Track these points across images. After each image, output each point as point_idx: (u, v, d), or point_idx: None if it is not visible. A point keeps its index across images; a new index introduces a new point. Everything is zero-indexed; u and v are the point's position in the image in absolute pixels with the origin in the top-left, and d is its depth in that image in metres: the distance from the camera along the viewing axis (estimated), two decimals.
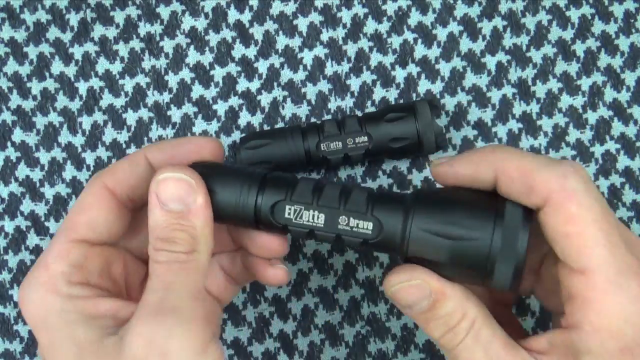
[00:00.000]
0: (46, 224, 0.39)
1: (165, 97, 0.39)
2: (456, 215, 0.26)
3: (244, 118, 0.39)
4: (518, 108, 0.39)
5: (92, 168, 0.39)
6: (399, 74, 0.39)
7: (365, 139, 0.36)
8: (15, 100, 0.39)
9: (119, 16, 0.39)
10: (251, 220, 0.28)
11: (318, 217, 0.27)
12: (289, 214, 0.28)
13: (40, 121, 0.39)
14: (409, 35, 0.39)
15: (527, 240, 0.26)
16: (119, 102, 0.39)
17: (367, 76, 0.39)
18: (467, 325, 0.27)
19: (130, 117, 0.39)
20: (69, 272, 0.27)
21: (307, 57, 0.39)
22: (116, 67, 0.39)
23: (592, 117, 0.39)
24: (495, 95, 0.39)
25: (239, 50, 0.39)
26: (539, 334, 0.27)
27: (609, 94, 0.39)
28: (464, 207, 0.27)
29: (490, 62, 0.39)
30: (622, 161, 0.39)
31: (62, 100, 0.39)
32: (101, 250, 0.29)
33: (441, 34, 0.39)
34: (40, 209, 0.39)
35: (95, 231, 0.28)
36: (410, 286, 0.27)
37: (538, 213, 0.26)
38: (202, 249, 0.27)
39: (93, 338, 0.26)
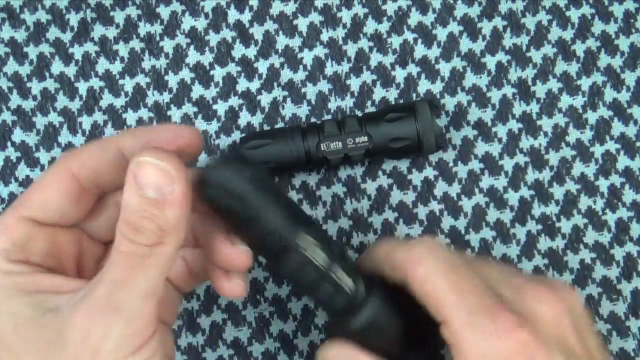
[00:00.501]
0: None
1: (166, 97, 0.39)
2: None
3: (244, 118, 0.39)
4: (518, 108, 0.39)
5: None
6: (399, 74, 0.39)
7: (365, 139, 0.36)
8: (15, 100, 0.39)
9: (119, 16, 0.39)
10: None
11: None
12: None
13: (40, 121, 0.39)
14: (409, 35, 0.39)
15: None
16: (119, 102, 0.39)
17: (367, 76, 0.39)
18: None
19: (131, 117, 0.39)
20: (9, 249, 0.27)
21: (307, 57, 0.39)
22: (116, 67, 0.39)
23: (592, 117, 0.39)
24: (495, 95, 0.39)
25: (239, 50, 0.39)
26: None
27: (609, 94, 0.39)
28: None
29: (490, 62, 0.39)
30: (622, 161, 0.39)
31: (62, 101, 0.39)
32: (51, 231, 0.28)
33: (441, 34, 0.39)
34: None
35: (46, 212, 0.28)
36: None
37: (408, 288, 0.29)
38: (169, 241, 0.26)
39: (31, 314, 0.26)
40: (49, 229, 0.28)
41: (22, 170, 0.39)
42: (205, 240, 0.30)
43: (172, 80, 0.39)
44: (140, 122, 0.39)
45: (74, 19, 0.39)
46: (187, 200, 0.26)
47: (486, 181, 0.39)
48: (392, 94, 0.39)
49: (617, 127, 0.39)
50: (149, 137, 0.28)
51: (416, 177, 0.39)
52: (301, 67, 0.39)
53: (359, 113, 0.39)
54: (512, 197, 0.39)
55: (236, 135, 0.39)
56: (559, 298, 0.28)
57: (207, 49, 0.39)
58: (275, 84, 0.39)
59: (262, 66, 0.39)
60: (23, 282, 0.26)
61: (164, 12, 0.39)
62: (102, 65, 0.39)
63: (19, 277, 0.27)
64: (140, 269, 0.25)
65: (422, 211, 0.39)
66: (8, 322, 0.26)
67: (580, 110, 0.39)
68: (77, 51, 0.39)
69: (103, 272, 0.26)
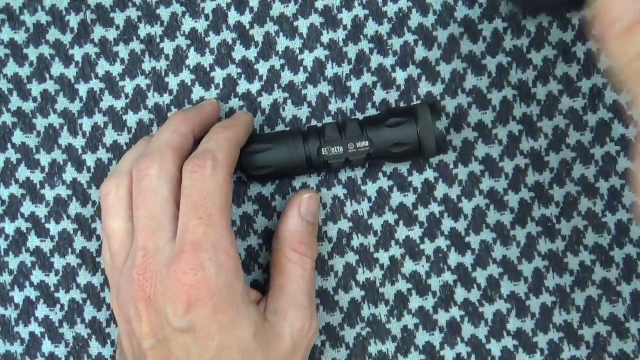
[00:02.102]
0: (47, 226, 0.39)
1: (166, 98, 0.39)
2: None
3: None
4: (518, 110, 0.39)
5: (92, 170, 0.39)
6: (400, 76, 0.39)
7: (367, 144, 0.36)
8: (15, 102, 0.39)
9: (119, 18, 0.39)
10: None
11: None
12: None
13: (40, 123, 0.39)
14: (409, 37, 0.39)
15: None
16: (120, 104, 0.39)
17: (367, 78, 0.39)
18: None
19: (131, 119, 0.39)
20: (238, 259, 0.33)
21: (308, 58, 0.39)
22: (116, 69, 0.39)
23: (592, 119, 0.39)
24: (495, 97, 0.39)
25: (239, 52, 0.39)
26: None
27: (610, 96, 0.39)
28: None
29: (491, 64, 0.39)
30: (622, 163, 0.39)
31: (62, 102, 0.39)
32: None
33: (442, 35, 0.39)
34: (41, 211, 0.39)
35: None
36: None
37: None
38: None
39: (261, 320, 0.33)
40: None
41: (23, 172, 0.39)
42: None
43: (173, 82, 0.39)
44: (140, 124, 0.39)
45: (74, 20, 0.39)
46: None
47: (486, 183, 0.39)
48: (392, 96, 0.39)
49: (617, 129, 0.39)
50: (200, 118, 0.36)
51: (416, 179, 0.39)
52: (302, 69, 0.39)
53: (359, 115, 0.39)
54: (513, 199, 0.39)
55: None
56: None
57: (207, 50, 0.39)
58: (275, 85, 0.39)
59: (262, 68, 0.39)
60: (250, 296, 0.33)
61: (164, 13, 0.39)
62: (103, 67, 0.39)
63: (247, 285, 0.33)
64: (305, 279, 0.35)
65: (422, 213, 0.39)
66: (248, 329, 0.31)
67: (581, 112, 0.39)
68: (78, 53, 0.39)
69: (281, 281, 0.35)
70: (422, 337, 0.38)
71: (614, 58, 0.25)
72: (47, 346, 0.38)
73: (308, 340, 0.34)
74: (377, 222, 0.39)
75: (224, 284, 0.31)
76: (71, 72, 0.39)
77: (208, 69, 0.39)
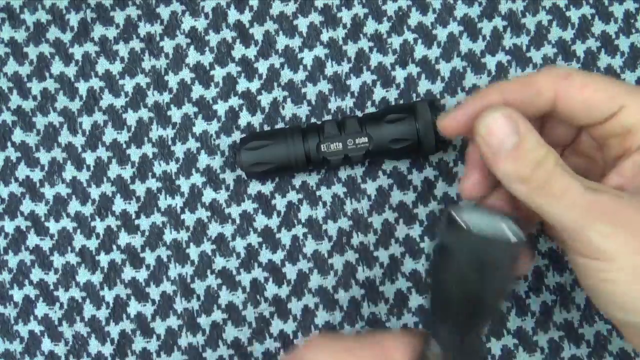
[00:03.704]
0: (46, 224, 0.39)
1: (166, 97, 0.39)
2: None
3: (244, 118, 0.39)
4: None
5: (92, 168, 0.39)
6: (399, 74, 0.39)
7: (366, 140, 0.36)
8: (15, 100, 0.39)
9: (119, 16, 0.39)
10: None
11: None
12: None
13: (40, 121, 0.39)
14: (409, 36, 0.39)
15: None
16: (119, 102, 0.39)
17: (367, 76, 0.39)
18: (554, 158, 0.27)
19: (131, 117, 0.39)
20: None
21: (307, 57, 0.39)
22: (116, 67, 0.39)
23: None
24: None
25: (239, 51, 0.39)
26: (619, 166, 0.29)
27: None
28: None
29: (491, 62, 0.39)
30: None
31: (62, 101, 0.39)
32: None
33: (441, 34, 0.39)
34: (40, 209, 0.39)
35: None
36: (501, 118, 0.27)
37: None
38: None
39: None
40: None
41: (22, 171, 0.39)
42: None
43: (172, 80, 0.39)
44: (140, 122, 0.39)
45: (74, 19, 0.39)
46: None
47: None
48: (392, 94, 0.39)
49: None
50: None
51: (416, 178, 0.39)
52: (301, 67, 0.39)
53: (359, 113, 0.39)
54: None
55: (236, 136, 0.39)
56: None
57: (207, 49, 0.39)
58: (275, 84, 0.39)
59: (262, 66, 0.39)
60: None
61: (164, 12, 0.39)
62: (102, 65, 0.39)
63: None
64: None
65: (422, 211, 0.39)
66: None
67: None
68: (77, 51, 0.39)
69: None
70: None
71: (508, 179, 0.27)
72: (46, 344, 0.38)
73: None
74: (376, 220, 0.38)
75: None
76: (71, 71, 0.39)
77: (208, 67, 0.39)
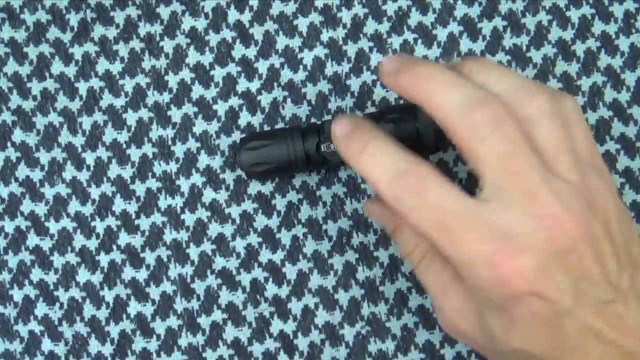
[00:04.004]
0: (46, 224, 0.39)
1: (165, 97, 0.39)
2: None
3: (244, 118, 0.39)
4: None
5: (92, 168, 0.39)
6: None
7: None
8: (15, 100, 0.39)
9: (119, 16, 0.39)
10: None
11: None
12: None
13: (40, 121, 0.39)
14: (409, 36, 0.39)
15: None
16: (119, 102, 0.39)
17: (367, 76, 0.39)
18: (419, 255, 0.31)
19: (131, 117, 0.39)
20: None
21: (307, 57, 0.39)
22: (116, 67, 0.39)
23: (592, 117, 0.39)
24: None
25: (239, 51, 0.39)
26: None
27: (609, 94, 0.39)
28: None
29: None
30: (622, 161, 0.39)
31: (62, 101, 0.39)
32: None
33: (441, 34, 0.39)
34: (41, 209, 0.39)
35: None
36: (380, 215, 0.33)
37: None
38: None
39: None
40: None
41: (22, 171, 0.39)
42: None
43: (172, 80, 0.39)
44: (140, 122, 0.39)
45: (74, 19, 0.39)
46: None
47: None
48: (392, 94, 0.39)
49: (617, 128, 0.39)
50: None
51: None
52: (301, 67, 0.39)
53: (359, 113, 0.39)
54: None
55: (236, 136, 0.39)
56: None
57: (207, 49, 0.39)
58: (275, 84, 0.39)
59: (262, 66, 0.39)
60: None
61: (164, 12, 0.39)
62: (102, 65, 0.39)
63: None
64: None
65: None
66: None
67: None
68: (77, 51, 0.39)
69: None
70: (422, 336, 0.38)
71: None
72: (46, 344, 0.38)
73: None
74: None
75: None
76: (71, 71, 0.39)
77: (208, 67, 0.39)
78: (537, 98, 0.28)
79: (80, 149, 0.39)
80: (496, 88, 0.28)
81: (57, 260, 0.38)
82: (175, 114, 0.39)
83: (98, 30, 0.39)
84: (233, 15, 0.39)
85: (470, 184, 0.39)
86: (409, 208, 0.27)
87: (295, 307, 0.38)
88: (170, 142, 0.39)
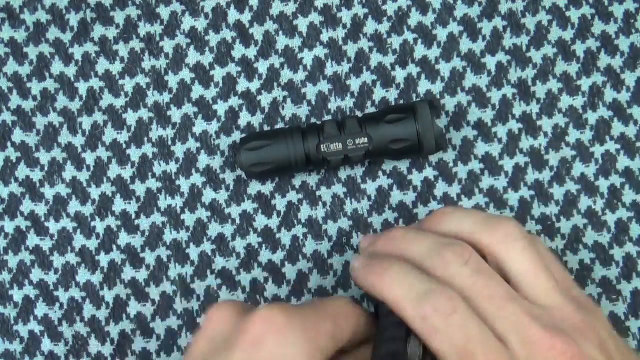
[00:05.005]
0: (46, 224, 0.39)
1: (166, 97, 0.39)
2: None
3: (244, 118, 0.39)
4: (518, 108, 0.39)
5: (92, 168, 0.39)
6: (399, 75, 0.39)
7: (366, 140, 0.36)
8: (15, 100, 0.39)
9: (119, 16, 0.39)
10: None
11: None
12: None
13: (40, 121, 0.39)
14: (409, 36, 0.39)
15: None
16: (119, 102, 0.39)
17: (367, 76, 0.39)
18: None
19: (131, 118, 0.39)
20: None
21: (307, 57, 0.39)
22: (116, 68, 0.39)
23: (592, 117, 0.39)
24: (495, 96, 0.39)
25: (239, 51, 0.39)
26: None
27: (609, 95, 0.39)
28: None
29: (490, 62, 0.39)
30: (622, 162, 0.39)
31: (62, 101, 0.39)
32: None
33: (441, 34, 0.39)
34: (41, 210, 0.39)
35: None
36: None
37: None
38: None
39: None
40: None
41: (22, 171, 0.39)
42: None
43: (172, 80, 0.39)
44: (140, 122, 0.39)
45: (74, 19, 0.39)
46: None
47: (486, 181, 0.39)
48: (392, 95, 0.39)
49: (617, 128, 0.39)
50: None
51: (416, 178, 0.39)
52: (301, 67, 0.39)
53: (359, 114, 0.39)
54: (512, 198, 0.39)
55: (236, 136, 0.39)
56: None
57: (207, 49, 0.39)
58: (275, 84, 0.39)
59: (262, 66, 0.39)
60: None
61: (164, 12, 0.39)
62: (102, 65, 0.39)
63: None
64: None
65: (422, 212, 0.39)
66: None
67: (581, 111, 0.39)
68: (77, 51, 0.39)
69: None
70: None
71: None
72: (46, 345, 0.38)
73: None
74: (376, 221, 0.39)
75: None
76: (71, 71, 0.39)
77: (208, 68, 0.39)
78: (504, 224, 0.29)
79: (80, 149, 0.39)
80: (461, 227, 0.29)
81: (57, 260, 0.38)
82: (175, 114, 0.39)
83: (98, 30, 0.39)
84: (233, 15, 0.39)
85: (470, 185, 0.39)
86: (434, 329, 0.26)
87: None
88: (170, 142, 0.39)
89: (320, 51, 0.39)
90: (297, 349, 0.25)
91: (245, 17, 0.39)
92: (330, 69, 0.39)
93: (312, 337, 0.25)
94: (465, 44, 0.39)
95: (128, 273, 0.38)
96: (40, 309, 0.38)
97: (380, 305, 0.29)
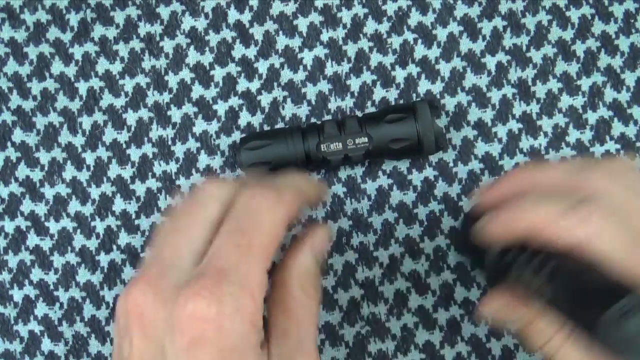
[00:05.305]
0: (46, 224, 0.39)
1: (165, 97, 0.39)
2: None
3: (244, 118, 0.39)
4: (518, 108, 0.39)
5: (92, 168, 0.39)
6: (399, 74, 0.39)
7: (366, 139, 0.36)
8: (15, 100, 0.39)
9: (119, 16, 0.39)
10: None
11: None
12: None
13: (40, 121, 0.39)
14: (409, 36, 0.39)
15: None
16: (119, 102, 0.39)
17: (367, 76, 0.39)
18: (561, 339, 0.29)
19: (131, 117, 0.39)
20: (262, 307, 0.26)
21: (307, 57, 0.39)
22: (116, 67, 0.39)
23: (592, 117, 0.39)
24: (495, 96, 0.39)
25: (239, 51, 0.39)
26: None
27: (609, 94, 0.39)
28: None
29: (490, 62, 0.39)
30: None
31: (62, 101, 0.39)
32: None
33: (441, 34, 0.39)
34: (40, 209, 0.39)
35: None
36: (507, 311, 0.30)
37: None
38: None
39: None
40: None
41: (22, 171, 0.39)
42: None
43: (172, 80, 0.39)
44: (140, 122, 0.39)
45: (74, 19, 0.39)
46: None
47: (486, 181, 0.39)
48: (392, 94, 0.39)
49: (617, 127, 0.39)
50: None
51: (416, 178, 0.39)
52: (301, 67, 0.39)
53: (359, 113, 0.39)
54: None
55: (236, 136, 0.39)
56: None
57: (207, 49, 0.39)
58: (275, 84, 0.39)
59: (262, 66, 0.39)
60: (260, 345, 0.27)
61: (164, 12, 0.39)
62: (102, 65, 0.39)
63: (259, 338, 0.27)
64: (314, 319, 0.29)
65: (422, 211, 0.39)
66: None
67: (580, 111, 0.39)
68: (77, 51, 0.39)
69: (285, 323, 0.28)
70: (421, 336, 0.38)
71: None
72: (46, 344, 0.38)
73: None
74: (376, 221, 0.38)
75: (238, 329, 0.25)
76: (71, 71, 0.39)
77: (208, 67, 0.39)
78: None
79: (80, 149, 0.39)
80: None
81: (57, 260, 0.38)
82: (175, 114, 0.39)
83: (98, 30, 0.39)
84: (233, 15, 0.39)
85: (470, 185, 0.39)
86: (594, 233, 0.27)
87: None
88: (170, 142, 0.39)
89: (320, 51, 0.39)
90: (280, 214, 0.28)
91: (245, 17, 0.39)
92: (330, 68, 0.39)
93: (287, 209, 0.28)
94: (465, 44, 0.39)
95: (128, 273, 0.38)
96: (40, 309, 0.38)
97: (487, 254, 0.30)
